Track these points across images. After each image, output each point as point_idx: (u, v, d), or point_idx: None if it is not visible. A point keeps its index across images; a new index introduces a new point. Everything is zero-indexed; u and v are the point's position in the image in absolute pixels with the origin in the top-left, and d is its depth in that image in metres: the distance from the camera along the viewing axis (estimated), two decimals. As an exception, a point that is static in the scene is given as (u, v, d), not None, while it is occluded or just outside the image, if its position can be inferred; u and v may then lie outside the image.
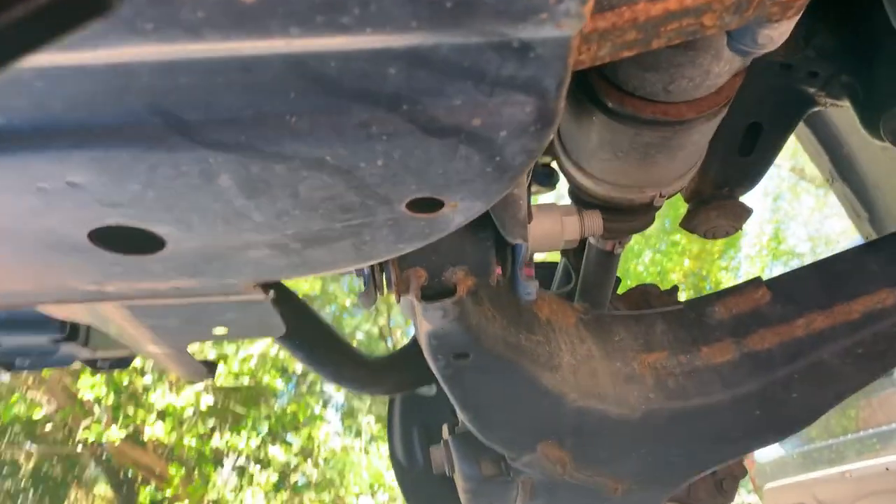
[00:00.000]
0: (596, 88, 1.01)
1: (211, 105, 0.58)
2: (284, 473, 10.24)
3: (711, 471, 1.35)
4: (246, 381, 9.05)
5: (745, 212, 1.46)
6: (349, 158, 0.64)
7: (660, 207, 1.26)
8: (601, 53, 0.71)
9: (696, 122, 1.02)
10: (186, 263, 0.80)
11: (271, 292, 0.94)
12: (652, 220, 1.32)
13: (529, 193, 0.93)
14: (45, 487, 8.40)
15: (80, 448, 8.78)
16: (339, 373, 1.34)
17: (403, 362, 1.47)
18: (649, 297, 1.89)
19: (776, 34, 0.76)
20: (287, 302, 1.16)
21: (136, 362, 2.09)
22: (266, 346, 9.17)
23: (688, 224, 1.48)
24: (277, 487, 10.00)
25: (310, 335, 1.29)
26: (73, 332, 1.75)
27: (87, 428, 8.33)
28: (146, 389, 8.87)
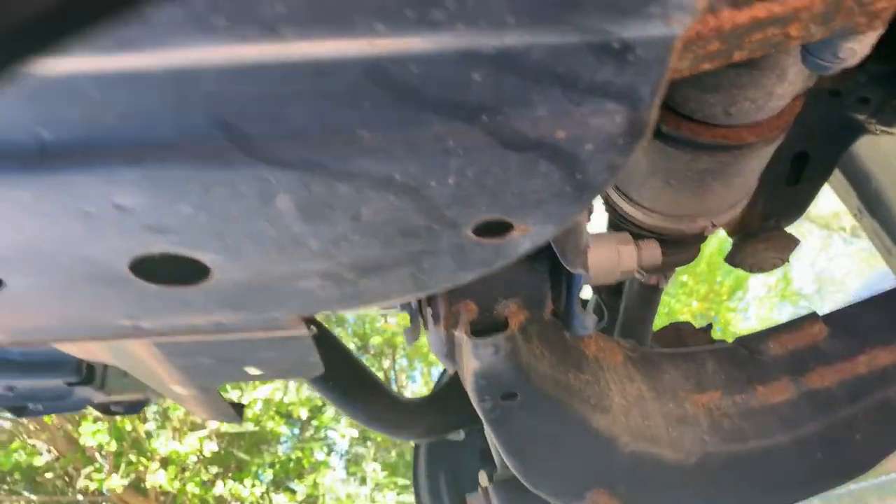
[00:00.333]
0: (648, 113, 0.97)
1: (277, 117, 0.53)
2: (289, 522, 10.03)
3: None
4: (250, 426, 8.91)
5: (793, 242, 1.41)
6: (419, 176, 0.59)
7: (707, 238, 1.21)
8: (681, 66, 0.67)
9: (755, 146, 0.98)
10: (230, 295, 0.75)
11: (314, 327, 0.89)
12: (698, 252, 1.27)
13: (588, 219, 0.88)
14: (45, 539, 8.22)
15: (80, 497, 8.63)
16: (372, 415, 1.27)
17: (439, 405, 1.40)
18: (683, 334, 1.83)
19: (859, 47, 0.72)
20: (321, 339, 1.11)
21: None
22: (271, 390, 9.06)
23: (734, 258, 1.43)
24: (282, 537, 9.78)
25: (343, 375, 1.22)
26: (88, 375, 1.69)
27: (88, 476, 8.19)
28: (149, 436, 8.75)
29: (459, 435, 1.68)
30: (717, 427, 1.17)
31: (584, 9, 0.45)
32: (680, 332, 1.83)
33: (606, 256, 0.94)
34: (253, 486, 9.61)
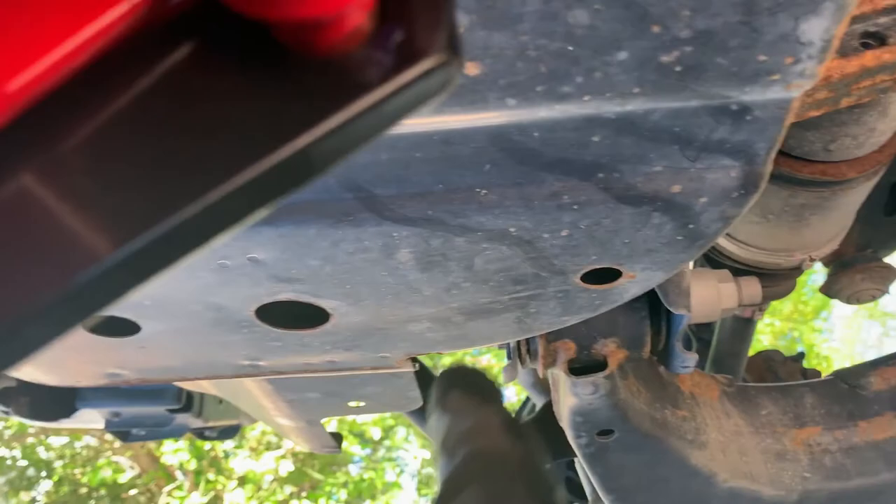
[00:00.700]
0: (743, 150, 0.97)
1: (404, 180, 0.57)
2: (363, 543, 10.09)
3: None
4: (325, 447, 9.03)
5: (892, 273, 1.37)
6: (533, 229, 0.62)
7: (804, 272, 1.19)
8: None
9: (855, 181, 0.96)
10: (346, 337, 0.79)
11: (417, 365, 0.92)
12: (794, 286, 1.25)
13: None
14: (130, 554, 8.48)
15: (162, 513, 8.84)
16: (466, 447, 1.29)
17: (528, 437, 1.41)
18: (774, 364, 1.79)
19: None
20: (420, 374, 1.14)
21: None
22: (345, 411, 9.14)
23: (829, 290, 1.40)
24: (356, 558, 9.84)
25: (438, 407, 1.25)
26: (188, 402, 1.77)
27: (170, 493, 8.44)
28: (227, 455, 8.96)
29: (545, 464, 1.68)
30: (817, 464, 1.14)
31: (707, 77, 0.47)
32: (770, 362, 1.79)
33: (707, 295, 0.94)
34: (329, 505, 9.72)
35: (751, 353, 1.77)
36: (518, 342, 0.96)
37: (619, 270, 0.68)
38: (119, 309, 0.73)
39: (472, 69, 0.46)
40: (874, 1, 0.70)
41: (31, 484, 7.33)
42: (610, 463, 1.06)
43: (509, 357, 0.98)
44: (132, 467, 8.55)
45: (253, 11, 0.21)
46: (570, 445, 1.06)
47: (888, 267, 1.39)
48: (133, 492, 8.67)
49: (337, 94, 0.23)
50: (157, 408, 1.75)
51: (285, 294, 0.69)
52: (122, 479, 8.25)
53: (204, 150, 0.24)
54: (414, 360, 0.92)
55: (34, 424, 1.76)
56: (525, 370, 1.29)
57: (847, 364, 1.25)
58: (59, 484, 7.47)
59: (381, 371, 0.91)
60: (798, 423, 1.18)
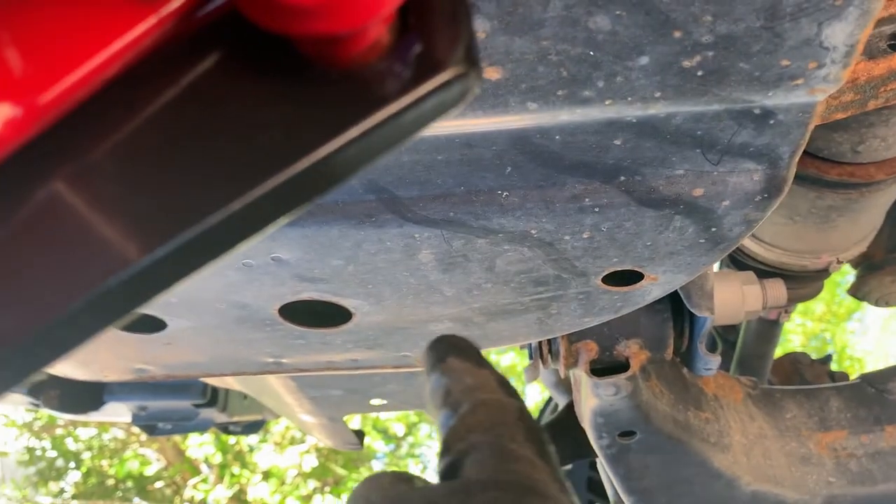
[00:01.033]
0: (768, 151, 0.96)
1: (426, 182, 0.57)
2: (386, 538, 10.12)
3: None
4: (348, 442, 9.07)
5: (922, 277, 1.35)
6: (555, 231, 0.62)
7: (831, 274, 1.18)
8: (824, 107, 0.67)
9: (884, 183, 0.95)
10: (368, 336, 0.79)
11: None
12: (822, 288, 1.24)
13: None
14: (155, 545, 8.58)
15: (187, 505, 8.95)
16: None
17: (552, 437, 1.41)
18: (800, 366, 1.77)
19: None
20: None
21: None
22: (369, 407, 9.19)
23: (857, 291, 1.38)
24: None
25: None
26: (213, 397, 1.79)
27: (195, 486, 8.53)
28: (251, 449, 9.05)
29: (566, 464, 1.68)
30: (842, 468, 1.13)
31: (730, 82, 0.47)
32: (797, 364, 1.77)
33: (731, 297, 0.93)
34: (350, 500, 9.76)
35: (779, 354, 1.76)
36: (540, 342, 0.96)
37: (640, 273, 0.68)
38: (146, 306, 0.75)
39: (493, 74, 0.46)
40: (903, 2, 0.69)
41: (59, 474, 7.45)
42: (631, 464, 1.06)
43: (531, 357, 0.99)
44: (158, 460, 8.67)
45: (276, 26, 0.22)
46: (591, 446, 1.06)
47: (918, 269, 1.37)
48: (159, 484, 8.79)
49: (358, 105, 0.24)
50: (182, 402, 1.77)
51: (308, 293, 0.70)
52: (149, 471, 8.36)
53: (229, 158, 0.24)
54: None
55: (63, 417, 1.80)
56: (547, 370, 1.29)
57: (881, 366, 1.24)
58: (86, 475, 7.59)
59: (402, 369, 0.92)
60: (823, 426, 1.17)
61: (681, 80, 0.46)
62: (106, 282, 0.23)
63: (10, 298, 0.23)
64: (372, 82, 0.24)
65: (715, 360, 0.93)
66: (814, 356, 1.81)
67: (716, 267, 1.46)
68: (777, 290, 0.96)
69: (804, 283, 1.19)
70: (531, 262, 0.67)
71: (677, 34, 0.43)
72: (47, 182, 0.24)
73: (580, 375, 0.99)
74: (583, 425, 1.05)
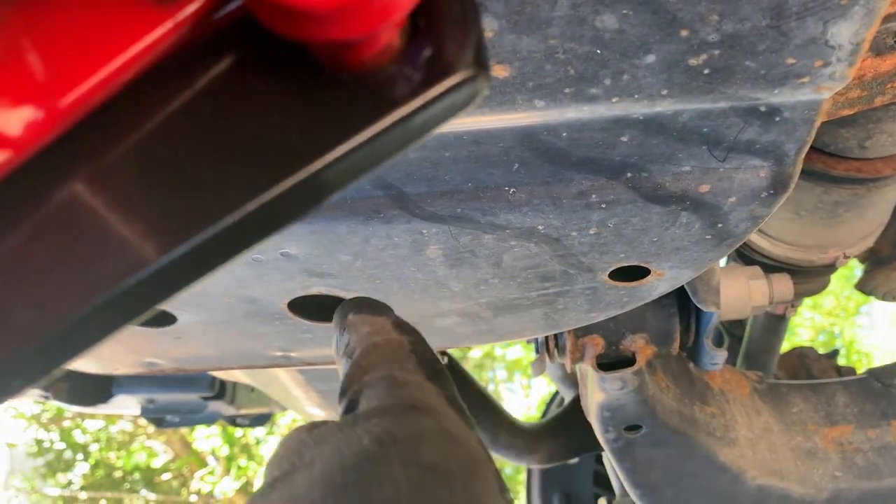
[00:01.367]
0: (775, 146, 0.96)
1: (434, 178, 0.58)
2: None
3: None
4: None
5: (929, 272, 1.35)
6: (561, 227, 0.62)
7: (837, 269, 1.18)
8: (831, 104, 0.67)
9: (891, 179, 0.95)
10: (375, 331, 0.80)
11: (445, 358, 0.93)
12: (828, 282, 1.24)
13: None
14: (162, 536, 8.63)
15: (194, 498, 9.04)
16: (495, 440, 1.30)
17: (559, 430, 1.42)
18: (807, 360, 1.76)
19: None
20: (450, 368, 1.15)
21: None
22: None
23: (865, 286, 1.38)
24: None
25: (468, 402, 1.26)
26: (221, 390, 1.81)
27: (202, 478, 8.58)
28: (258, 441, 9.09)
29: (573, 458, 1.69)
30: (849, 463, 1.13)
31: (736, 80, 0.47)
32: (804, 359, 1.77)
33: (737, 292, 0.94)
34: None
35: (787, 348, 1.76)
36: (546, 337, 0.97)
37: (647, 268, 0.68)
38: (162, 305, 0.75)
39: (501, 72, 0.46)
40: (911, -2, 0.69)
41: (67, 466, 7.50)
42: (637, 458, 1.06)
43: (538, 351, 0.99)
44: (165, 452, 8.71)
45: (290, 32, 0.22)
46: (597, 439, 1.07)
47: (925, 264, 1.37)
48: (166, 476, 8.84)
49: (370, 108, 0.25)
50: (191, 395, 1.79)
51: (317, 288, 0.71)
52: (156, 463, 8.40)
53: (244, 160, 0.25)
54: (443, 353, 0.93)
55: (72, 409, 1.81)
56: (554, 364, 1.30)
57: (888, 361, 1.24)
58: (94, 467, 7.64)
59: (410, 364, 0.92)
60: (829, 421, 1.17)
61: (687, 78, 0.47)
62: (124, 281, 0.24)
63: (30, 297, 0.24)
64: (383, 85, 0.24)
65: (721, 355, 0.93)
66: (821, 351, 1.81)
67: (722, 262, 1.46)
68: (783, 284, 0.96)
69: (811, 277, 1.19)
70: (538, 258, 0.67)
71: (684, 33, 0.44)
72: (67, 183, 0.25)
73: (586, 370, 1.00)
74: (589, 419, 1.06)
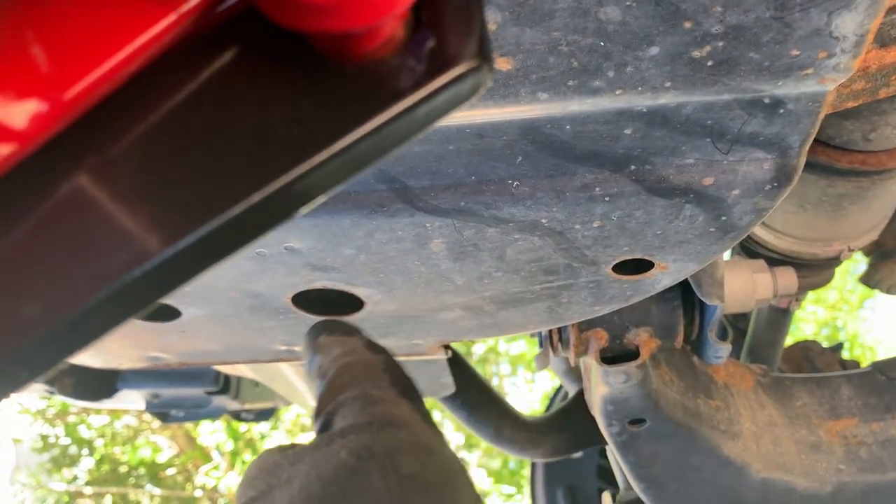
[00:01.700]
0: (779, 139, 0.96)
1: (437, 172, 0.58)
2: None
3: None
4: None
5: (934, 265, 1.34)
6: (565, 220, 0.62)
7: (842, 262, 1.18)
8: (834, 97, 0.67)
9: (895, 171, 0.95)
10: (380, 324, 0.80)
11: (449, 352, 0.93)
12: (833, 276, 1.23)
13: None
14: (168, 531, 8.66)
15: (199, 493, 9.07)
16: (498, 434, 1.30)
17: (562, 424, 1.42)
18: (811, 354, 1.76)
19: None
20: (453, 361, 1.15)
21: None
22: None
23: (869, 280, 1.38)
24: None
25: (471, 395, 1.27)
26: (225, 385, 1.81)
27: (207, 473, 8.61)
28: (262, 436, 9.11)
29: (577, 452, 1.69)
30: (853, 456, 1.13)
31: (739, 71, 0.47)
32: (808, 352, 1.77)
33: (741, 286, 0.94)
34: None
35: (791, 342, 1.76)
36: (550, 331, 0.97)
37: (651, 261, 0.68)
38: (167, 297, 0.76)
39: (504, 64, 0.46)
40: (916, -11, 0.68)
41: (73, 461, 7.53)
42: (641, 451, 1.06)
43: (541, 345, 0.99)
44: (170, 447, 8.73)
45: (292, 24, 0.22)
46: (601, 433, 1.07)
47: (930, 257, 1.36)
48: (171, 471, 8.86)
49: (373, 100, 0.25)
50: (195, 390, 1.79)
51: (320, 282, 0.71)
52: (161, 458, 8.43)
53: (248, 152, 0.25)
54: (447, 347, 0.93)
55: (77, 404, 1.82)
56: (557, 358, 1.30)
57: (893, 354, 1.24)
58: (100, 462, 7.66)
59: (413, 357, 0.92)
60: (834, 414, 1.17)
61: (691, 69, 0.47)
62: (128, 273, 0.24)
63: (34, 289, 0.24)
64: (386, 77, 0.24)
65: (725, 349, 0.93)
66: (826, 344, 1.81)
67: (727, 255, 1.46)
68: (787, 278, 0.96)
69: (815, 271, 1.19)
70: (541, 251, 0.67)
71: (687, 24, 0.44)
72: (72, 175, 0.25)
73: (590, 363, 1.00)
74: (592, 413, 1.06)
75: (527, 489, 1.91)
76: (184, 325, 0.83)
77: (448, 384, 1.05)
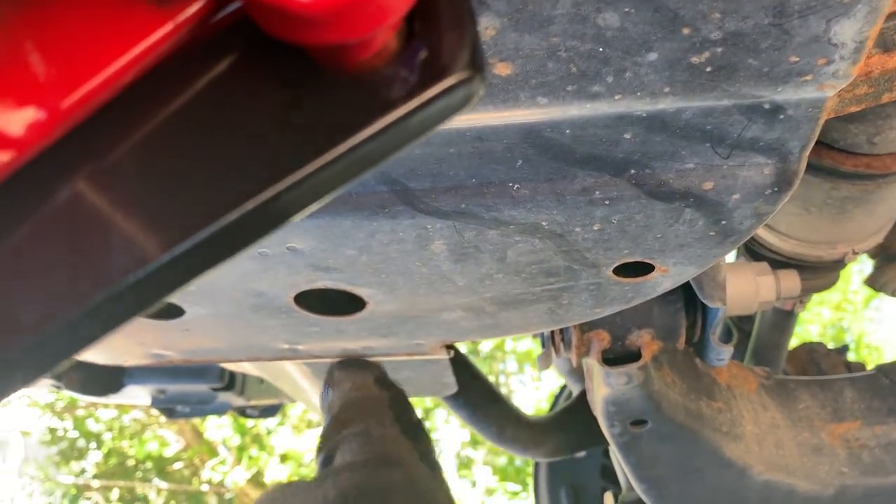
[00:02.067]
0: (784, 141, 0.95)
1: (438, 174, 0.58)
2: (400, 522, 10.20)
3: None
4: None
5: (940, 268, 1.34)
6: (565, 223, 0.63)
7: (847, 265, 1.18)
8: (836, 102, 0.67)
9: (900, 174, 0.95)
10: (381, 324, 0.81)
11: (452, 352, 0.94)
12: (837, 279, 1.23)
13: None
14: (173, 525, 8.69)
15: (205, 487, 9.09)
16: (501, 433, 1.31)
17: (565, 424, 1.43)
18: (816, 356, 1.76)
19: None
20: (456, 361, 1.16)
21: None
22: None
23: (875, 282, 1.37)
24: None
25: (474, 395, 1.27)
26: (230, 381, 1.82)
27: (213, 468, 8.62)
28: (269, 432, 9.12)
29: (580, 451, 1.69)
30: (855, 459, 1.13)
31: (739, 77, 0.47)
32: (813, 354, 1.77)
33: (744, 288, 0.94)
34: (367, 483, 9.85)
35: (797, 343, 1.75)
36: (552, 331, 0.97)
37: (651, 264, 0.68)
38: (167, 299, 0.76)
39: (504, 69, 0.47)
40: (920, -7, 0.68)
41: (81, 455, 7.57)
42: (643, 453, 1.06)
43: (544, 346, 0.99)
44: (177, 441, 8.75)
45: (287, 35, 0.23)
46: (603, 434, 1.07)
47: (936, 261, 1.36)
48: (178, 465, 8.88)
49: (366, 109, 0.25)
50: (200, 386, 1.80)
51: (322, 282, 0.71)
52: (168, 452, 8.44)
53: (243, 159, 0.25)
54: (450, 347, 0.94)
55: (84, 399, 1.83)
56: (561, 358, 1.30)
57: (896, 357, 1.23)
58: (107, 456, 7.70)
59: (416, 357, 0.93)
60: (837, 417, 1.17)
61: (690, 75, 0.47)
62: (126, 278, 0.24)
63: (35, 292, 0.25)
64: (379, 87, 0.25)
65: (727, 351, 0.93)
66: (831, 345, 1.81)
67: (731, 257, 1.46)
68: (791, 280, 0.96)
69: (819, 273, 1.18)
70: (542, 254, 0.67)
71: (686, 31, 0.44)
72: (70, 182, 0.25)
73: (592, 364, 1.00)
74: (594, 413, 1.06)
75: (532, 486, 1.91)
76: (187, 323, 0.83)
77: (451, 384, 1.06)
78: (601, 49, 0.45)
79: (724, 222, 0.61)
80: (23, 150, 0.24)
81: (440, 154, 0.55)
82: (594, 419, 1.09)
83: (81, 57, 0.24)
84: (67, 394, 1.78)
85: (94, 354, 0.97)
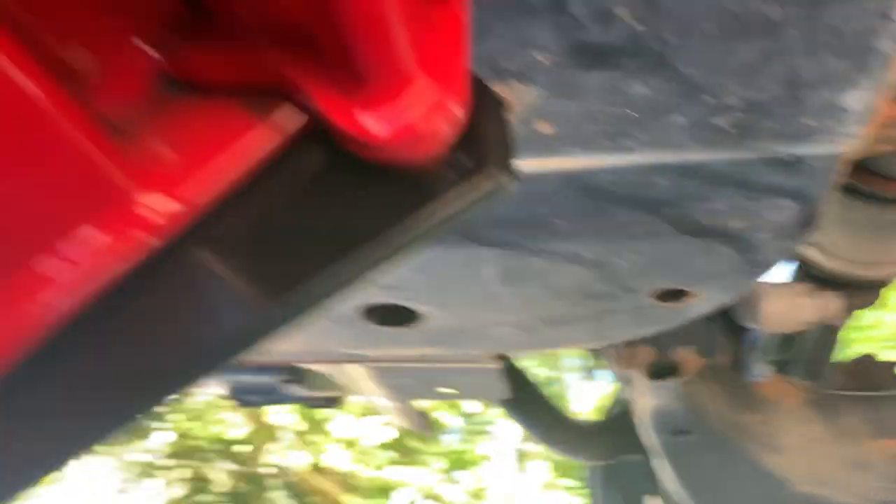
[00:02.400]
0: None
1: (489, 210, 0.65)
2: (453, 512, 10.23)
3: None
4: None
5: None
6: (604, 254, 0.69)
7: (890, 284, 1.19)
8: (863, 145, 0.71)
9: (945, 200, 0.97)
10: (437, 336, 0.88)
11: (504, 361, 1.01)
12: (878, 297, 1.25)
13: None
14: (236, 505, 8.92)
15: (268, 471, 9.29)
16: (548, 436, 1.37)
17: (613, 429, 1.47)
18: (866, 369, 1.75)
19: None
20: (509, 369, 1.22)
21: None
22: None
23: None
24: (447, 526, 9.99)
25: (526, 400, 1.33)
26: (297, 375, 1.93)
27: (275, 452, 8.80)
28: (330, 419, 9.24)
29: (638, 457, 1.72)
30: (898, 475, 1.15)
31: (759, 135, 0.52)
32: (864, 366, 1.76)
33: (786, 308, 0.97)
34: (426, 474, 9.93)
35: (853, 354, 1.75)
36: (600, 344, 1.03)
37: (688, 291, 0.74)
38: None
39: (546, 129, 0.53)
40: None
41: (145, 434, 7.84)
42: (686, 461, 1.11)
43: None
44: (242, 425, 8.93)
45: (366, 155, 0.30)
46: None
47: None
48: (242, 448, 9.04)
49: (416, 199, 0.32)
50: (270, 378, 1.91)
51: (386, 298, 0.79)
52: (231, 435, 8.62)
53: (324, 236, 0.33)
54: (501, 356, 1.01)
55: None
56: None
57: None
58: (179, 436, 7.96)
59: (468, 365, 1.00)
60: (881, 433, 1.19)
61: (713, 133, 0.52)
62: (239, 327, 0.32)
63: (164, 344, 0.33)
64: (426, 185, 0.32)
65: (767, 369, 0.97)
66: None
67: (783, 274, 1.48)
68: (833, 301, 0.99)
69: (863, 292, 1.20)
70: (584, 280, 0.73)
71: (708, 98, 0.49)
72: (194, 250, 0.33)
73: (635, 376, 1.05)
74: (638, 422, 1.12)
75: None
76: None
77: (502, 390, 1.13)
78: (631, 112, 0.51)
79: (751, 255, 0.66)
80: (162, 235, 0.32)
81: (490, 194, 0.62)
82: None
83: (213, 164, 0.32)
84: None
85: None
